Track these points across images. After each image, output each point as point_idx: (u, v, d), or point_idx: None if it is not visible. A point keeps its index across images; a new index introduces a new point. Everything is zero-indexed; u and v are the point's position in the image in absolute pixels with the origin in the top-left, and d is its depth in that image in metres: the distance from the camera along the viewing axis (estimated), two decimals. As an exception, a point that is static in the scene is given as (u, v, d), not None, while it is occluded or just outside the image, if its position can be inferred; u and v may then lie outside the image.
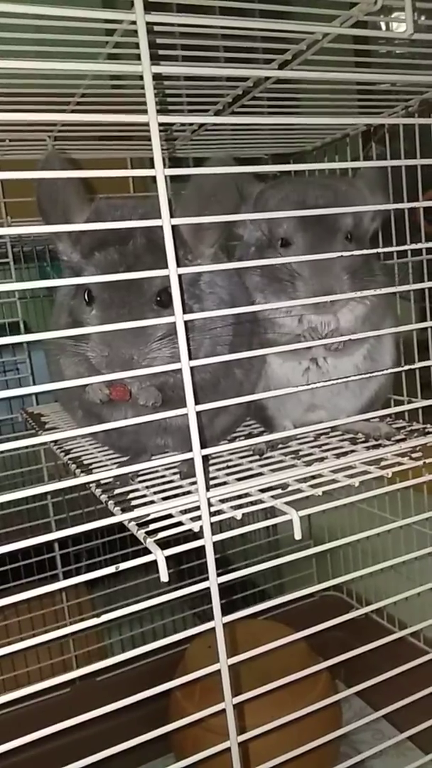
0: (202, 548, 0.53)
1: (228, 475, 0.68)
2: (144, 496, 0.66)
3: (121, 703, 0.50)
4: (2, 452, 0.53)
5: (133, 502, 0.64)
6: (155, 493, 0.66)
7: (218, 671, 0.54)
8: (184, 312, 0.49)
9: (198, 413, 0.51)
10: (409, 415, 0.87)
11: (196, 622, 0.81)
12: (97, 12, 0.48)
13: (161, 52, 0.67)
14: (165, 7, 0.53)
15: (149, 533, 0.55)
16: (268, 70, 0.73)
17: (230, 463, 0.73)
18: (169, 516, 0.58)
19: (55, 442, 0.89)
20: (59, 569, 1.31)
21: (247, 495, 0.61)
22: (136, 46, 0.45)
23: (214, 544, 0.53)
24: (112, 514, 0.59)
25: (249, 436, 0.87)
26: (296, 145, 1.15)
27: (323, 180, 0.89)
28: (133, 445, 0.77)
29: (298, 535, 0.56)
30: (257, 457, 0.75)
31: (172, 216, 0.48)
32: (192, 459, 0.51)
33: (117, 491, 0.67)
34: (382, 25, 1.66)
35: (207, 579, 0.53)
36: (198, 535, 0.54)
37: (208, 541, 0.53)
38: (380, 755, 1.07)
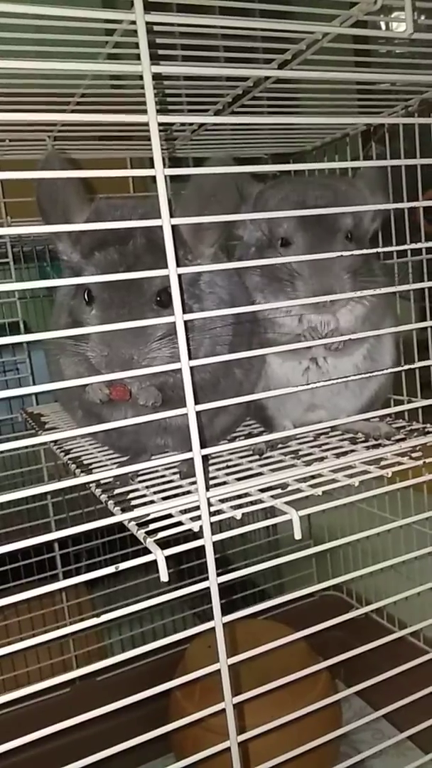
0: (202, 548, 0.53)
1: (228, 474, 0.68)
2: (144, 495, 0.66)
3: (121, 703, 0.50)
4: (2, 452, 0.53)
5: (133, 502, 0.64)
6: (155, 492, 0.66)
7: (218, 671, 0.54)
8: (184, 312, 0.49)
9: (198, 413, 0.51)
10: (409, 415, 0.87)
11: (196, 622, 0.81)
12: (96, 12, 0.48)
13: (161, 52, 0.67)
14: (165, 7, 0.53)
15: (149, 533, 0.55)
16: (267, 69, 0.73)
17: (230, 463, 0.73)
18: (169, 516, 0.58)
19: (55, 442, 0.89)
20: (59, 569, 1.31)
21: (246, 495, 0.61)
22: (136, 46, 0.45)
23: (214, 543, 0.53)
24: (112, 514, 0.59)
25: (249, 435, 0.87)
26: (296, 145, 1.15)
27: (323, 180, 0.89)
28: (133, 445, 0.77)
29: (297, 535, 0.56)
30: (257, 456, 0.75)
31: (171, 216, 0.48)
32: (192, 459, 0.51)
33: (117, 491, 0.67)
34: (382, 24, 1.66)
35: (207, 579, 0.53)
36: (198, 535, 0.54)
37: (207, 540, 0.53)
38: (380, 755, 1.07)
